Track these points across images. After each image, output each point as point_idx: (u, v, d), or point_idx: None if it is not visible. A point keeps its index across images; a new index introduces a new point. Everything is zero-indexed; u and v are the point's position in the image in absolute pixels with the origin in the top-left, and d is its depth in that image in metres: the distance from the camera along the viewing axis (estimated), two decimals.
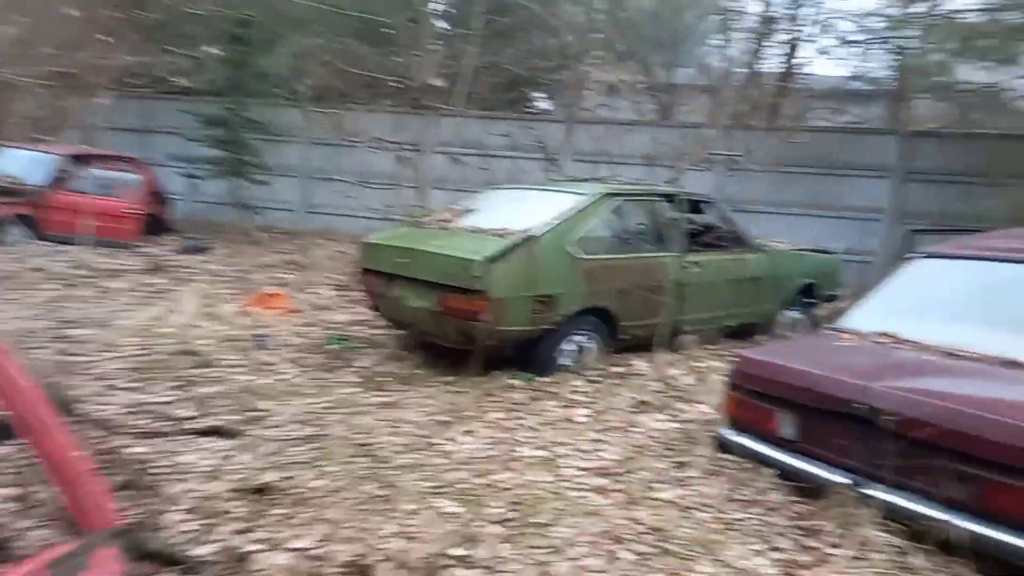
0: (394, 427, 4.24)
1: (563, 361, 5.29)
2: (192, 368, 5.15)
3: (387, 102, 11.53)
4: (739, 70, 12.59)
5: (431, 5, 14.75)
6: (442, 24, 18.37)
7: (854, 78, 14.01)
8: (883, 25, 11.55)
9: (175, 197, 13.10)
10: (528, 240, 5.00)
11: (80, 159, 10.44)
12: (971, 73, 12.14)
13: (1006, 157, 9.34)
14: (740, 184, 10.60)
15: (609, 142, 11.55)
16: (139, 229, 10.38)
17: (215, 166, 11.30)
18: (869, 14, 12.52)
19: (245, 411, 4.44)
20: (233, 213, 12.03)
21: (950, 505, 2.86)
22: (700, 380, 5.11)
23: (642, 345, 5.70)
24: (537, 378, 5.10)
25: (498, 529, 3.02)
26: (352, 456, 3.79)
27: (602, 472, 3.73)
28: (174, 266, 8.97)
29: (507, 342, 5.06)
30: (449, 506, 3.21)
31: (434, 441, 4.05)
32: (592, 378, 5.18)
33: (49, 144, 10.97)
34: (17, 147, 10.37)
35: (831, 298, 7.33)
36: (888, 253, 10.04)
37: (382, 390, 4.97)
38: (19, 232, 9.36)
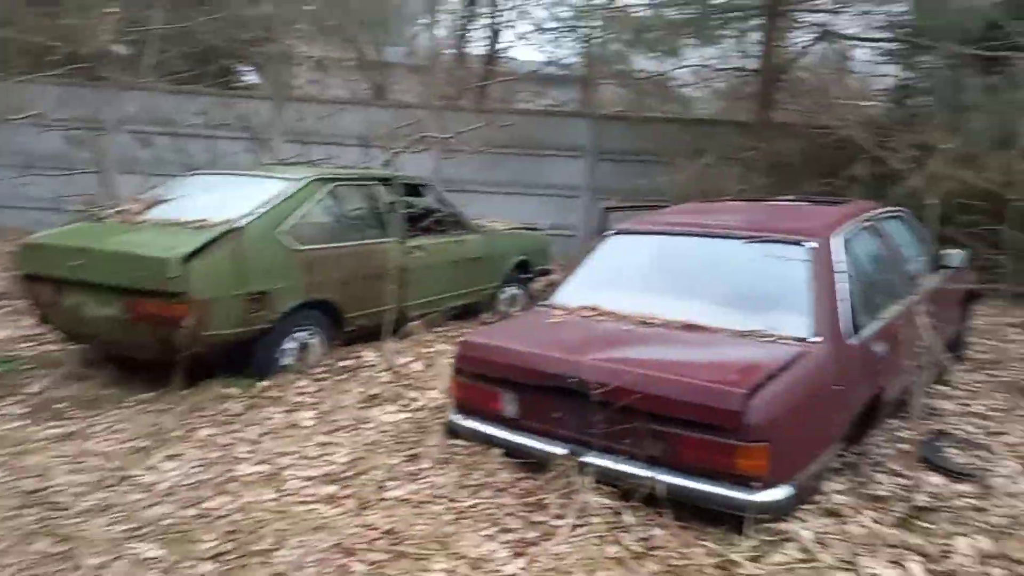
0: (76, 463, 3.60)
1: (285, 361, 4.94)
2: None
3: (55, 72, 9.73)
4: (447, 51, 12.85)
5: None
6: None
7: (550, 63, 15.10)
8: (570, 14, 12.54)
9: None
10: (232, 232, 4.53)
11: None
12: (644, 63, 13.74)
13: (673, 139, 10.74)
14: (453, 166, 10.88)
15: (322, 122, 11.11)
16: None
17: None
18: (559, 2, 13.56)
19: None
20: None
21: (651, 463, 3.16)
22: (429, 365, 5.11)
23: (371, 335, 5.56)
24: (257, 383, 4.69)
25: (210, 567, 2.69)
26: (17, 508, 3.13)
27: (331, 479, 3.53)
28: None
29: (217, 347, 4.57)
30: (149, 550, 2.79)
31: (130, 473, 3.51)
32: (318, 376, 4.90)
33: None
34: None
35: (544, 272, 7.84)
36: (588, 228, 11.03)
37: (59, 419, 4.20)
38: None
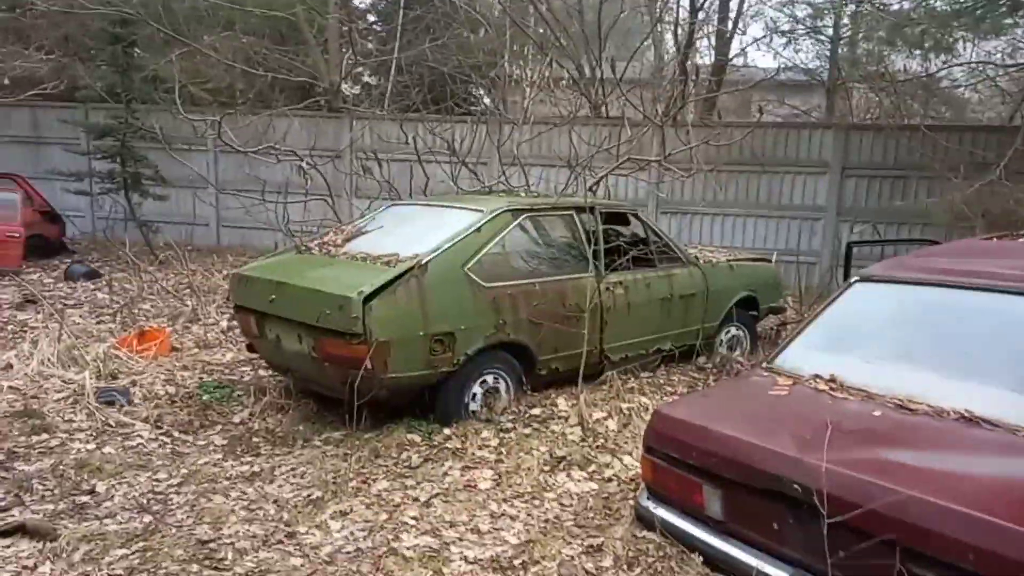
0: (252, 511, 3.49)
1: (472, 407, 4.60)
2: (25, 435, 4.30)
3: (299, 106, 10.64)
4: (671, 63, 12.05)
5: (352, 2, 13.89)
6: (369, 20, 17.51)
7: (787, 69, 13.67)
8: (810, 13, 11.16)
9: (72, 215, 12.06)
10: (416, 269, 4.28)
11: None
12: (904, 62, 11.88)
13: (942, 150, 9.01)
14: (675, 187, 10.10)
15: (538, 144, 10.94)
16: (22, 254, 9.33)
17: (108, 181, 10.26)
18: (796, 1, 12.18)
19: (71, 495, 3.63)
20: (135, 231, 10.99)
21: None
22: (626, 424, 4.48)
23: (566, 379, 5.07)
24: (440, 429, 4.39)
25: None
26: (185, 560, 3.03)
27: (498, 565, 3.05)
28: (53, 297, 7.97)
29: (400, 391, 4.34)
30: None
31: (297, 530, 3.31)
32: (504, 426, 4.49)
33: None
34: None
35: (775, 310, 6.83)
36: (832, 256, 9.64)
37: (251, 454, 4.20)
38: None
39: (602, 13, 12.01)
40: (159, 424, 4.55)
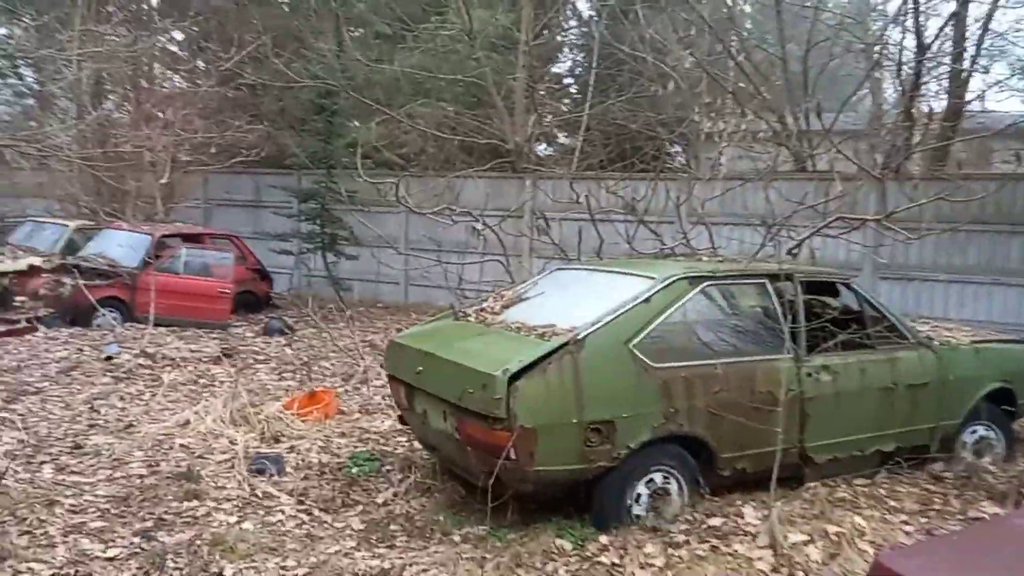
0: None
1: (637, 510, 3.88)
2: (179, 500, 4.26)
3: (485, 167, 10.70)
4: (892, 109, 10.63)
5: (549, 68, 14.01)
6: (564, 81, 17.66)
7: None
8: None
9: (282, 272, 13.03)
10: (570, 344, 3.70)
11: (174, 238, 10.42)
12: None
13: None
14: (897, 248, 8.66)
15: (735, 199, 10.03)
16: (230, 309, 10.09)
17: (310, 241, 10.92)
18: None
19: None
20: (331, 289, 11.58)
21: None
22: (834, 553, 3.50)
23: (756, 483, 4.19)
24: (596, 536, 3.72)
25: None
26: None
27: None
28: (247, 351, 8.42)
29: (548, 486, 3.74)
30: None
31: None
32: (675, 538, 3.71)
33: (144, 223, 11.08)
34: (114, 227, 10.50)
35: None
36: None
37: (385, 545, 3.80)
38: (111, 315, 9.25)
39: (808, 60, 10.97)
40: (303, 499, 4.32)
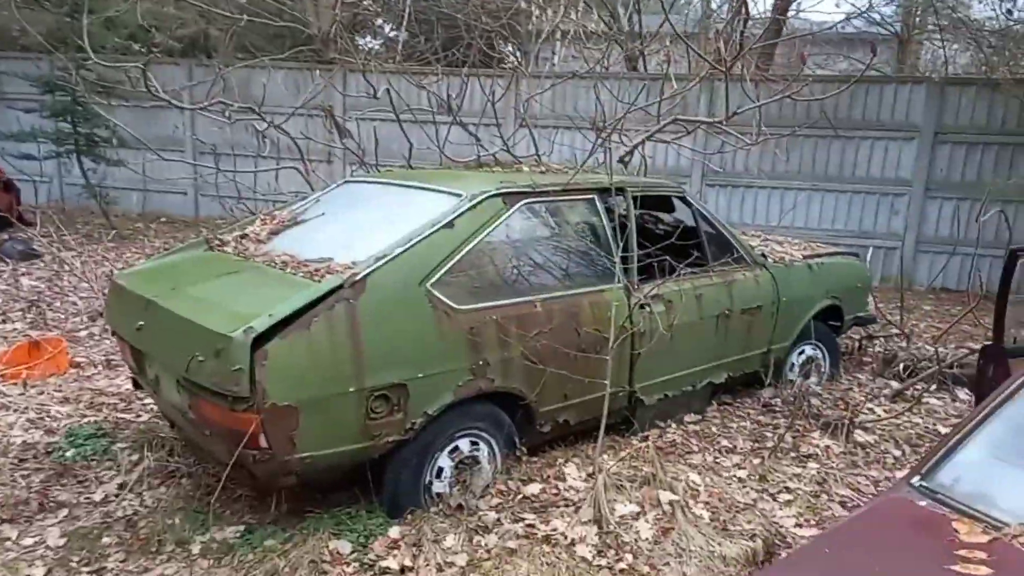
0: None
1: (438, 487, 3.10)
2: None
3: (283, 55, 9.05)
4: (719, 12, 10.19)
5: None
6: None
7: (855, 16, 11.68)
8: None
9: (39, 181, 10.72)
10: (346, 287, 2.74)
11: None
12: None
13: None
14: (725, 154, 8.34)
15: (565, 101, 9.28)
16: None
17: (58, 143, 8.84)
18: None
19: None
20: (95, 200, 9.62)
21: None
22: (667, 528, 2.93)
23: (581, 434, 3.56)
24: (385, 529, 2.90)
25: None
26: None
27: None
28: None
29: (319, 475, 2.84)
30: None
31: None
32: (483, 519, 2.98)
33: None
34: None
35: (862, 321, 5.20)
36: (916, 239, 7.90)
37: (89, 571, 2.75)
38: None
39: None
40: None
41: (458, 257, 3.06)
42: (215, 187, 10.44)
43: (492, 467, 3.23)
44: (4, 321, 5.66)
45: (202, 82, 8.14)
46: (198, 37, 9.88)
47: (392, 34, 17.60)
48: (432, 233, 3.03)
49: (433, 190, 3.46)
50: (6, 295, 6.33)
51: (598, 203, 3.67)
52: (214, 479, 3.28)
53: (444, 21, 12.79)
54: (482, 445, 3.20)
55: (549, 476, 3.29)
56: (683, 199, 4.28)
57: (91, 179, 9.15)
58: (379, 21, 16.38)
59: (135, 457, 3.50)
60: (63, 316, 5.83)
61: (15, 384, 4.32)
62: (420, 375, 2.89)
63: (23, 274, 7.10)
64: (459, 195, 3.26)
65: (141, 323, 2.99)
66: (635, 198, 3.79)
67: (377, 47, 17.56)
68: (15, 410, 3.99)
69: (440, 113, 6.76)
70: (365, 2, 13.54)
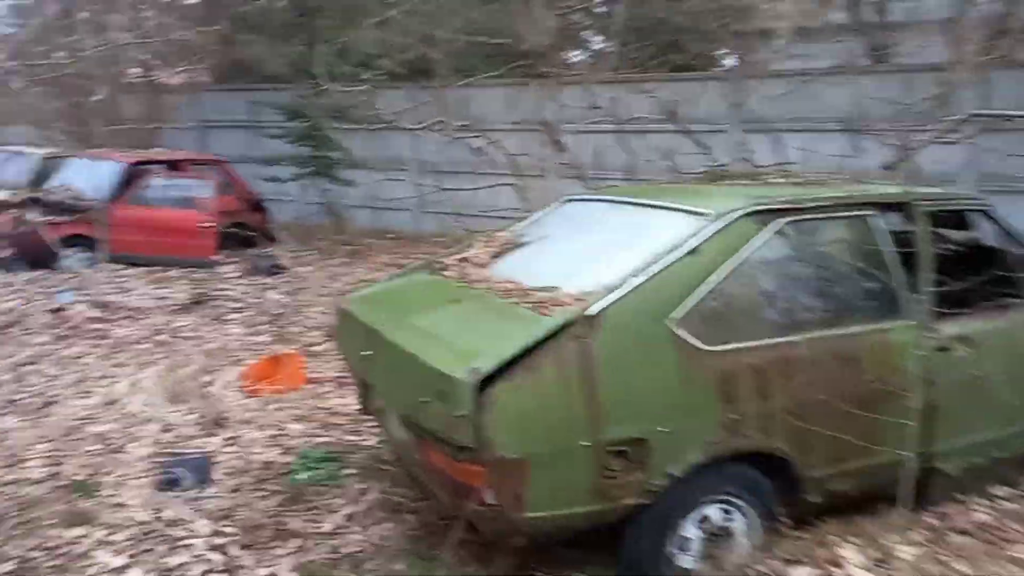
0: None
1: (684, 561, 2.63)
2: (61, 526, 3.17)
3: (497, 72, 9.10)
4: None
5: None
6: None
7: None
8: None
9: (284, 200, 11.80)
10: (578, 323, 2.38)
11: (150, 165, 9.19)
12: None
13: None
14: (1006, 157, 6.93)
15: (799, 102, 8.35)
16: (215, 245, 8.92)
17: (300, 166, 9.59)
18: None
19: None
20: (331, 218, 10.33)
21: None
22: None
23: (859, 506, 2.91)
24: None
25: None
26: None
27: None
28: (224, 297, 7.29)
29: (549, 536, 2.51)
30: None
31: None
32: None
33: (118, 150, 9.86)
34: (83, 155, 9.29)
35: None
36: None
37: None
38: (78, 256, 8.19)
39: None
40: (223, 527, 3.17)
41: (705, 289, 2.59)
42: (435, 204, 10.83)
43: (748, 541, 2.71)
44: (253, 334, 6.09)
45: (423, 104, 8.41)
46: (419, 61, 10.27)
47: (601, 46, 17.40)
48: (674, 260, 2.59)
49: (670, 208, 3.02)
50: (256, 308, 6.86)
51: (878, 220, 3.00)
52: (439, 519, 3.08)
53: (658, 26, 12.29)
54: (736, 514, 2.69)
55: (820, 558, 2.68)
56: (984, 213, 3.43)
57: (327, 198, 9.81)
58: (588, 33, 16.23)
59: (362, 486, 3.43)
60: (301, 330, 6.15)
61: (260, 395, 4.52)
62: (663, 429, 2.45)
63: (270, 288, 7.69)
64: (703, 214, 2.79)
65: (367, 353, 2.87)
66: (927, 214, 3.06)
67: (586, 59, 17.43)
68: (257, 425, 4.15)
69: (661, 121, 6.31)
70: (575, 15, 13.41)
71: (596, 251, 3.00)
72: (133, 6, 10.29)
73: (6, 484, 3.57)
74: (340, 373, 5.06)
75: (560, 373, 2.34)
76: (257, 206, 10.55)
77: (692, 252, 2.60)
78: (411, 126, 6.46)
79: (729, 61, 15.42)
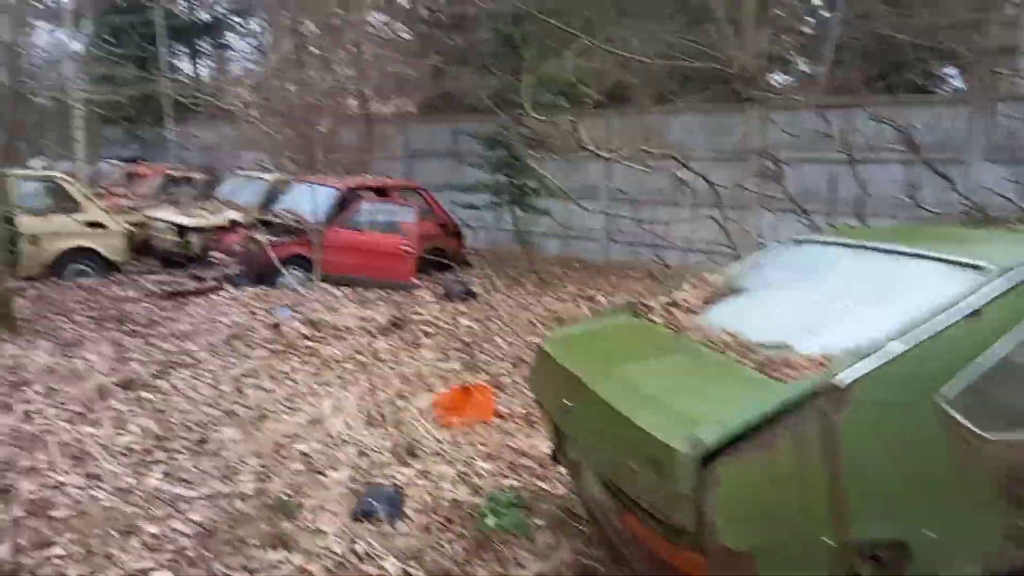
0: None
1: None
2: (263, 547, 3.28)
3: (701, 95, 8.72)
4: None
5: None
6: None
7: None
8: None
9: (478, 227, 12.15)
10: (823, 394, 2.00)
11: (361, 191, 9.80)
12: None
13: None
14: None
15: None
16: (414, 268, 9.30)
17: (497, 194, 9.77)
18: None
19: None
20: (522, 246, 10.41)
21: None
22: None
23: None
24: None
25: None
26: None
27: None
28: (419, 320, 7.51)
29: None
30: None
31: None
32: None
33: (335, 176, 10.61)
34: (304, 180, 10.09)
35: None
36: None
37: None
38: (294, 275, 8.88)
39: None
40: (411, 568, 3.10)
41: (988, 361, 2.09)
42: (626, 234, 10.58)
43: None
44: (444, 360, 6.17)
45: (619, 131, 8.21)
46: (616, 87, 10.13)
47: (808, 68, 16.22)
48: (947, 324, 2.12)
49: (933, 258, 2.52)
50: (447, 334, 6.99)
51: None
52: None
53: (880, 45, 11.22)
54: None
55: None
56: None
57: (519, 226, 9.89)
58: (795, 55, 15.24)
59: (552, 541, 3.23)
60: (490, 360, 6.14)
61: (451, 426, 4.50)
62: (928, 533, 2.00)
63: (461, 314, 7.83)
64: (981, 267, 2.28)
65: (568, 403, 2.66)
66: None
67: (792, 82, 16.34)
68: (447, 459, 4.11)
69: (891, 150, 5.60)
70: (785, 36, 12.64)
71: (836, 305, 2.58)
72: (356, 42, 11.12)
73: (222, 496, 3.78)
74: (529, 409, 4.94)
75: (799, 453, 1.98)
76: (454, 232, 10.92)
77: (972, 315, 2.12)
78: (607, 155, 6.23)
79: (958, 83, 13.68)
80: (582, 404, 2.57)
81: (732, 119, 9.31)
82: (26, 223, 8.50)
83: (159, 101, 16.93)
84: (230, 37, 24.90)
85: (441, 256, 10.45)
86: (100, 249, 9.10)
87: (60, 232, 8.78)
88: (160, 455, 4.31)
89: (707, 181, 5.78)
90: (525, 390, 5.39)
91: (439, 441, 4.33)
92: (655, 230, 8.90)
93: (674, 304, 3.14)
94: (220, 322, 7.24)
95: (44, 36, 15.81)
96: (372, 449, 4.30)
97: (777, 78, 16.24)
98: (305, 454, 4.26)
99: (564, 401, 2.68)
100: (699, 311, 3.00)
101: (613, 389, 2.45)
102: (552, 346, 3.15)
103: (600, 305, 8.35)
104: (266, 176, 11.24)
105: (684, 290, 3.27)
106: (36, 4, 13.97)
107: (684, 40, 8.80)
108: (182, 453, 4.34)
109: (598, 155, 5.84)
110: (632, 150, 6.91)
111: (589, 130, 9.56)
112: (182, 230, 9.83)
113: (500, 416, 4.81)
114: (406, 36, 13.44)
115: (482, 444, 4.32)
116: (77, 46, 12.59)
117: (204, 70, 25.06)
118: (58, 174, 9.68)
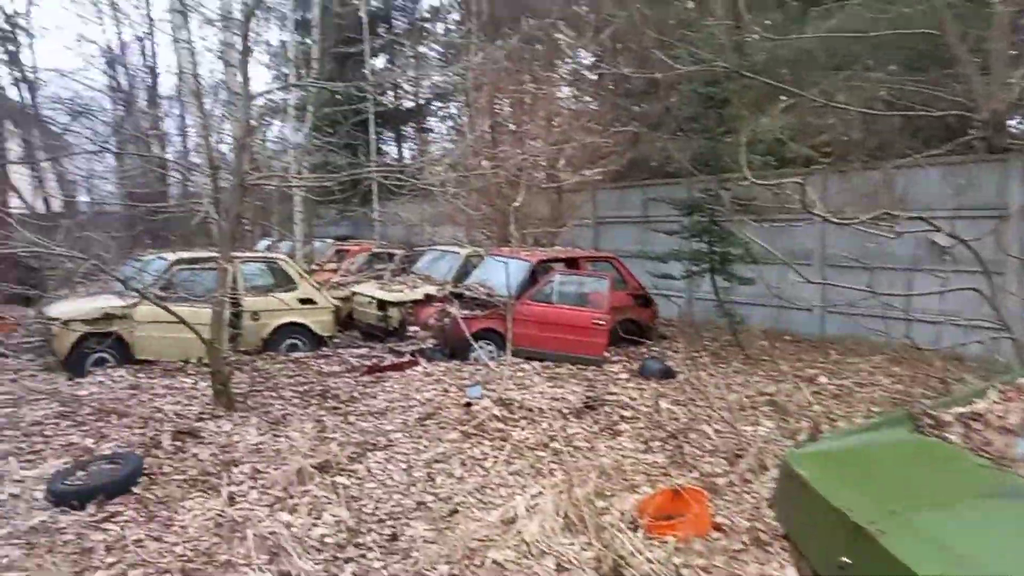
0: None
1: None
2: None
3: (943, 149, 7.54)
4: None
5: None
6: None
7: None
8: None
9: (670, 295, 11.47)
10: None
11: (552, 263, 9.56)
12: None
13: None
14: None
15: None
16: (606, 342, 8.81)
17: (696, 261, 9.08)
18: None
19: None
20: (723, 318, 9.55)
21: None
22: None
23: None
24: None
25: None
26: None
27: None
28: (614, 401, 6.94)
29: None
30: None
31: None
32: None
33: (525, 248, 10.47)
34: (496, 254, 10.04)
35: None
36: None
37: None
38: (485, 350, 8.73)
39: None
40: None
41: None
42: (847, 304, 9.36)
43: None
44: (647, 451, 5.55)
45: (839, 192, 7.26)
46: (833, 144, 9.14)
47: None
48: None
49: None
50: (647, 419, 6.35)
51: None
52: None
53: None
54: None
55: None
56: None
57: (721, 295, 9.10)
58: None
59: None
60: (700, 453, 5.43)
61: (658, 541, 3.87)
62: None
63: (661, 395, 7.15)
64: None
65: (845, 561, 1.98)
66: None
67: None
68: None
69: None
70: None
71: None
72: (547, 117, 11.15)
73: None
74: (754, 523, 4.17)
75: None
76: (646, 302, 10.33)
77: None
78: (837, 220, 5.40)
79: None
80: (870, 565, 1.89)
81: (981, 171, 7.97)
82: (249, 301, 9.16)
83: (367, 183, 18.23)
84: (431, 121, 26.71)
85: (634, 327, 9.89)
86: (310, 324, 9.58)
87: (277, 309, 9.36)
88: (352, 551, 4.10)
89: (966, 245, 4.79)
90: (746, 495, 4.62)
91: (650, 561, 3.71)
92: (882, 299, 7.77)
93: (975, 417, 2.36)
94: (414, 399, 7.16)
95: (273, 130, 17.70)
96: (572, 562, 3.78)
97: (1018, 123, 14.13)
98: (498, 564, 3.83)
99: (841, 559, 2.00)
100: (1019, 431, 2.20)
101: (921, 554, 1.75)
102: (805, 466, 2.48)
103: (823, 387, 7.30)
104: (459, 250, 11.43)
105: (988, 397, 2.47)
106: (269, 101, 15.65)
107: (918, 87, 7.72)
108: (373, 551, 4.10)
109: (826, 219, 5.04)
110: (859, 210, 6.01)
111: (793, 193, 8.70)
112: (382, 304, 10.14)
113: (719, 529, 4.09)
114: (594, 107, 13.33)
115: (702, 568, 3.63)
116: (299, 137, 13.81)
117: (407, 152, 26.99)
118: (277, 255, 10.43)
